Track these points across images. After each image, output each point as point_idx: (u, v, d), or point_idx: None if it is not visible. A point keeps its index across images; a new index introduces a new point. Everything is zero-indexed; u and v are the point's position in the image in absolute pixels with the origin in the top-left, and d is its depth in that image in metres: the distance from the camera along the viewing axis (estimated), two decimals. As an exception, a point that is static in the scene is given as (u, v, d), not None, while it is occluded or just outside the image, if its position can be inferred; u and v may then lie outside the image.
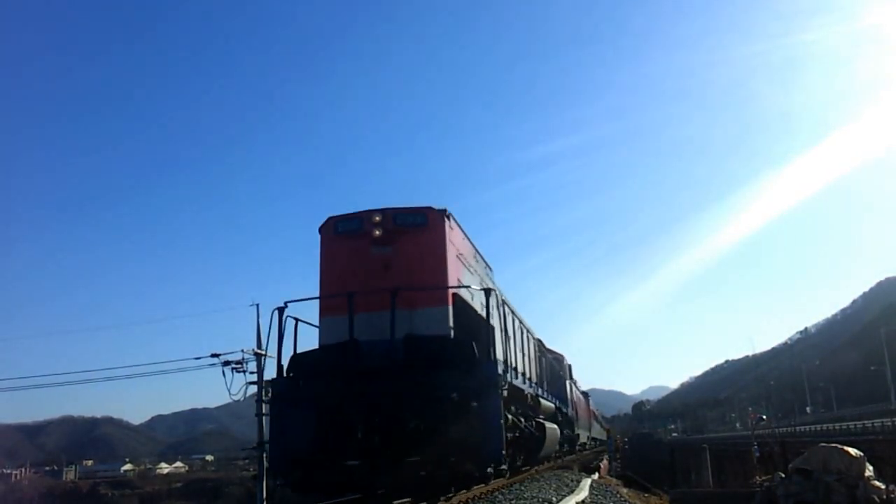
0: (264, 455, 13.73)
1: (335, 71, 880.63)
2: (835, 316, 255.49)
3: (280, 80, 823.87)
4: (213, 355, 14.30)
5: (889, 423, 42.39)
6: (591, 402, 43.06)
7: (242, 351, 14.23)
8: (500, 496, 11.14)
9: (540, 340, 19.37)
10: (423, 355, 8.58)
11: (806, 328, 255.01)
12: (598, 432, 55.02)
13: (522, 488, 12.79)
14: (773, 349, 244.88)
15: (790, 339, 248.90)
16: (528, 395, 13.34)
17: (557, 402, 19.37)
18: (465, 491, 10.42)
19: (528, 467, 16.05)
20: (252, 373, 14.45)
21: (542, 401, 15.62)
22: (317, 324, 10.10)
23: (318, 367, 9.09)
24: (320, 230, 10.40)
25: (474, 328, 9.59)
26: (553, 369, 20.88)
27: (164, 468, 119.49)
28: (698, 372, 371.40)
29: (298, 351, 9.71)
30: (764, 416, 65.56)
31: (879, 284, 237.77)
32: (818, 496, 13.14)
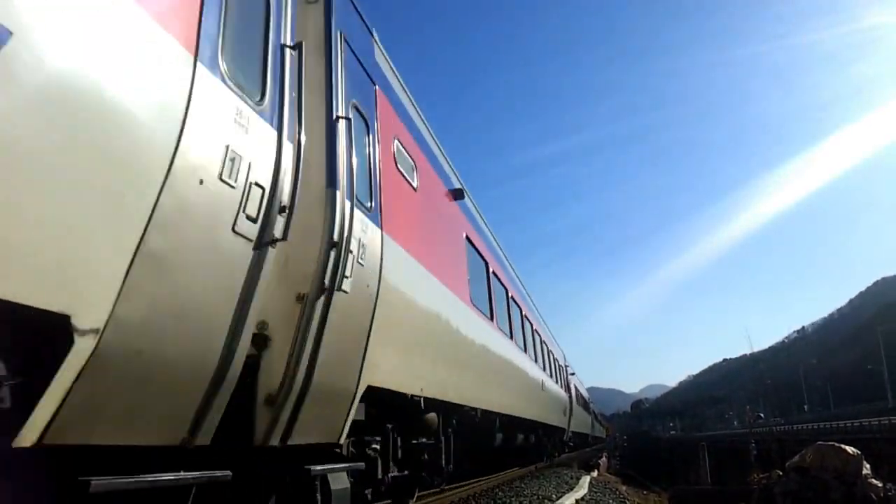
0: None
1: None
2: (832, 315, 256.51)
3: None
4: None
5: (886, 422, 42.61)
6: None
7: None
8: (499, 492, 11.20)
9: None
10: None
11: (803, 327, 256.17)
12: (598, 430, 55.10)
13: (522, 485, 12.86)
14: (771, 348, 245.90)
15: (788, 337, 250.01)
16: None
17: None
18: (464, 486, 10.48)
19: None
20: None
21: None
22: None
23: None
24: None
25: None
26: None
27: None
28: (696, 370, 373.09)
29: None
30: (761, 415, 65.97)
31: (876, 284, 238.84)
32: (815, 494, 13.24)
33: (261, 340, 3.42)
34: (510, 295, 12.18)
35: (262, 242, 3.14)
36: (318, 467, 3.89)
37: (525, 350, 13.31)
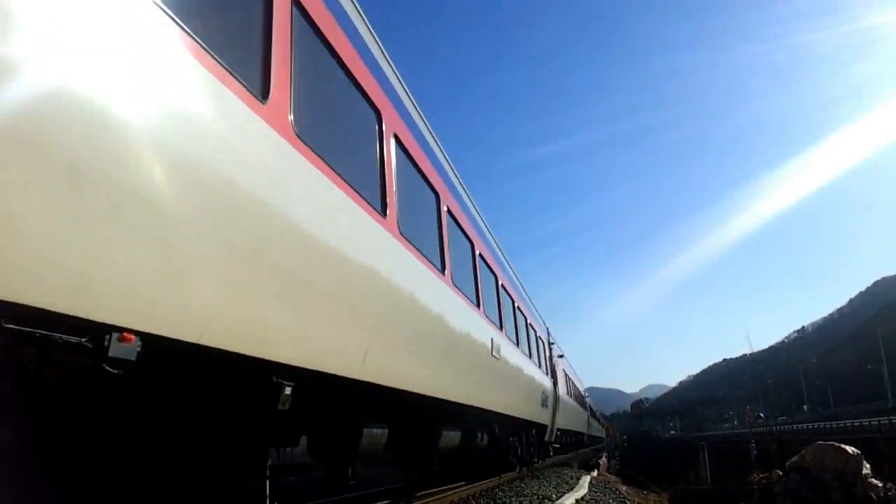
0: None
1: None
2: (832, 315, 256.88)
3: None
4: None
5: (886, 422, 42.65)
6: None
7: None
8: (499, 492, 11.21)
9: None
10: None
11: (803, 327, 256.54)
12: (597, 430, 55.09)
13: (522, 485, 12.87)
14: (771, 348, 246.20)
15: (787, 337, 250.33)
16: None
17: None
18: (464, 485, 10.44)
19: None
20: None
21: None
22: None
23: None
24: None
25: None
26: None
27: None
28: (696, 370, 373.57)
29: None
30: (761, 415, 66.04)
31: (876, 284, 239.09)
32: (815, 494, 13.24)
33: None
34: (424, 174, 7.11)
35: None
36: None
37: (456, 285, 7.80)
